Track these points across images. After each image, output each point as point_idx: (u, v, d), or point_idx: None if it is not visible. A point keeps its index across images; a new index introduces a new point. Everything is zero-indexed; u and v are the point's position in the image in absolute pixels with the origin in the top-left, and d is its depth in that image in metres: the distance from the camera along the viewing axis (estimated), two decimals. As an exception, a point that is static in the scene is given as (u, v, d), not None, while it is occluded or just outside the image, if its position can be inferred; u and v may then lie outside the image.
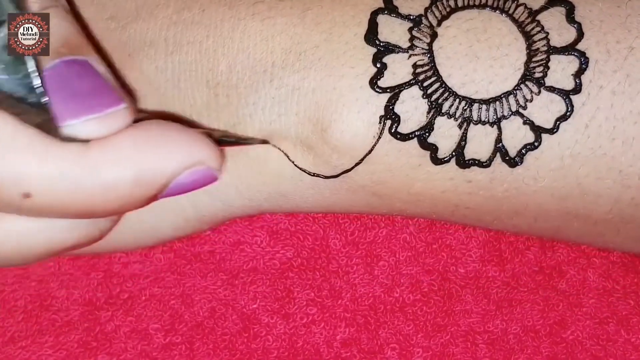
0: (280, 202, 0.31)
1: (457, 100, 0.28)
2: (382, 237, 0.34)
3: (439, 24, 0.28)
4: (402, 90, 0.28)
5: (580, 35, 0.28)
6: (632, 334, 0.33)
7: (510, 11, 0.28)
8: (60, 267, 0.34)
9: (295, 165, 0.29)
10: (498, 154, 0.28)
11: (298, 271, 0.34)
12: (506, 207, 0.30)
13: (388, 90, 0.28)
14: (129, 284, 0.34)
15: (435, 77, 0.28)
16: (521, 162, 0.28)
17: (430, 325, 0.34)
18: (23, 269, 0.34)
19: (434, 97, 0.28)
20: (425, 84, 0.28)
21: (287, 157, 0.29)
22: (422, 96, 0.28)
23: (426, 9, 0.28)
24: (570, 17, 0.28)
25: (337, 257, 0.34)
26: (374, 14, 0.28)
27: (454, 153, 0.28)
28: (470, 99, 0.28)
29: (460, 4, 0.28)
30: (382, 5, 0.28)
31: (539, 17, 0.28)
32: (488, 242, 0.34)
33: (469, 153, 0.28)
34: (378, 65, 0.28)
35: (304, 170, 0.29)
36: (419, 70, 0.28)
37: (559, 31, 0.28)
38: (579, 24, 0.28)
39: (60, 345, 0.33)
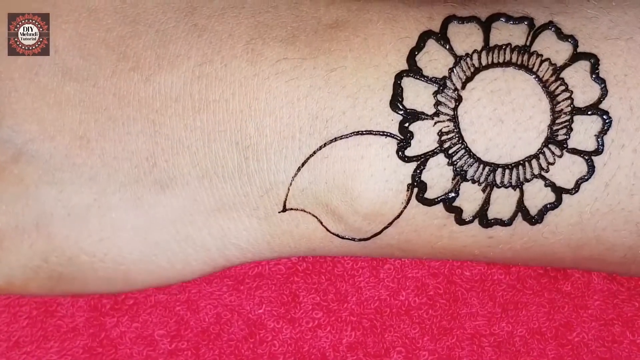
0: (308, 254, 0.32)
1: (482, 166, 0.28)
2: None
3: (464, 86, 0.28)
4: (429, 158, 0.28)
5: (604, 92, 0.27)
6: (638, 335, 0.33)
7: (535, 68, 0.28)
8: (65, 273, 0.34)
9: (328, 230, 0.30)
10: (519, 214, 0.28)
11: (303, 275, 0.34)
12: (524, 255, 0.30)
13: (414, 159, 0.28)
14: (134, 291, 0.33)
15: (460, 144, 0.28)
16: (541, 221, 0.28)
17: (436, 328, 0.34)
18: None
19: (459, 164, 0.28)
20: (450, 151, 0.28)
21: (321, 223, 0.30)
22: (448, 163, 0.28)
23: (450, 70, 0.28)
24: (595, 73, 0.28)
25: (342, 261, 0.34)
26: (398, 77, 0.28)
27: (477, 214, 0.28)
28: (494, 164, 0.28)
29: (484, 62, 0.28)
30: (405, 66, 0.28)
31: (563, 74, 0.28)
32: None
33: (492, 213, 0.28)
34: (405, 134, 0.28)
35: (337, 235, 0.30)
36: (444, 137, 0.28)
37: (582, 89, 0.28)
38: (603, 81, 0.28)
39: (66, 351, 0.33)
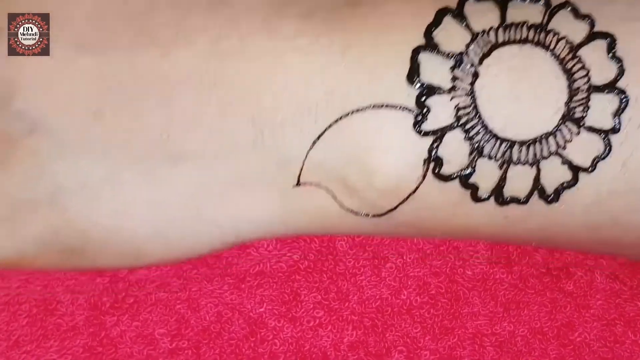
0: (321, 231, 0.32)
1: (498, 142, 0.28)
2: (389, 238, 0.34)
3: (480, 61, 0.28)
4: (445, 133, 0.28)
5: (620, 71, 0.27)
6: (640, 335, 0.33)
7: (552, 46, 0.28)
8: (66, 272, 0.33)
9: (342, 206, 0.30)
10: (535, 192, 0.28)
11: (305, 274, 0.34)
12: (538, 236, 0.30)
13: (431, 134, 0.28)
14: (134, 289, 0.33)
15: (477, 119, 0.27)
16: (557, 200, 0.28)
17: (437, 327, 0.34)
18: (28, 273, 0.33)
19: (476, 139, 0.28)
20: (467, 126, 0.27)
21: (335, 199, 0.29)
22: (464, 139, 0.28)
23: (467, 46, 0.28)
24: (611, 52, 0.27)
25: (344, 259, 0.34)
26: (415, 52, 0.28)
27: (493, 192, 0.28)
28: (511, 141, 0.28)
29: (500, 39, 0.28)
30: (422, 42, 0.28)
31: (580, 52, 0.28)
32: (495, 243, 0.34)
33: (508, 191, 0.28)
34: (421, 108, 0.28)
35: (351, 211, 0.30)
36: (461, 112, 0.27)
37: (600, 67, 0.27)
38: (620, 60, 0.27)
39: (65, 350, 0.33)
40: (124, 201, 0.29)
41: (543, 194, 0.28)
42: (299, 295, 0.34)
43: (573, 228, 0.29)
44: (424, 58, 0.28)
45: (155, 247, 0.30)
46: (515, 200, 0.28)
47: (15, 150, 0.29)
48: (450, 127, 0.28)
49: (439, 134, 0.28)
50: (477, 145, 0.28)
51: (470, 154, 0.28)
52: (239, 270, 0.34)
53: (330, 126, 0.28)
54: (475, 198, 0.28)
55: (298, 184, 0.29)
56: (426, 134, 0.28)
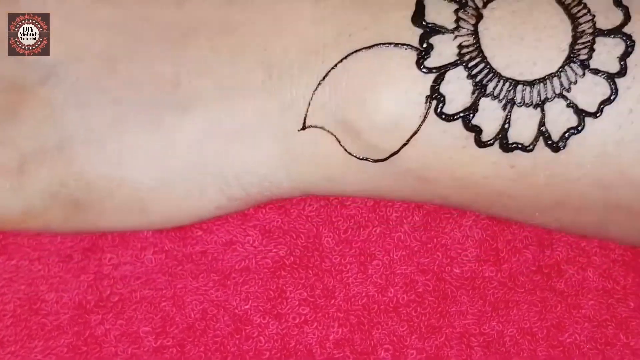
0: (327, 186, 0.31)
1: (502, 81, 0.27)
2: (376, 235, 0.34)
3: (485, 5, 0.28)
4: (448, 70, 0.28)
5: (627, 18, 0.27)
6: (631, 337, 0.32)
7: None
8: (50, 270, 0.33)
9: (345, 149, 0.29)
10: (541, 138, 0.28)
11: (290, 270, 0.33)
12: (548, 196, 0.29)
13: (434, 71, 0.28)
14: (119, 286, 0.33)
15: (480, 58, 0.28)
16: (564, 147, 0.28)
17: (424, 326, 0.33)
18: (12, 272, 0.33)
19: (479, 77, 0.28)
20: (470, 64, 0.28)
21: (338, 141, 0.29)
22: (467, 77, 0.28)
23: None
24: (617, 1, 0.28)
25: (330, 256, 0.34)
26: None
27: (498, 136, 0.28)
28: (514, 80, 0.27)
29: None
30: None
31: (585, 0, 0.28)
32: (485, 240, 0.33)
33: (513, 136, 0.28)
34: (424, 45, 0.28)
35: (353, 155, 0.29)
36: (464, 50, 0.28)
37: (605, 14, 0.28)
38: (626, 8, 0.27)
39: (50, 350, 0.33)
40: (130, 151, 0.30)
41: (549, 141, 0.28)
42: (285, 292, 0.33)
43: (583, 186, 0.29)
44: (430, 1, 0.28)
45: (161, 201, 0.30)
46: (520, 146, 0.28)
47: (27, 100, 0.30)
48: (453, 65, 0.28)
49: (442, 71, 0.28)
50: (479, 83, 0.28)
51: (473, 92, 0.28)
52: (224, 266, 0.34)
53: (335, 65, 0.28)
54: (479, 142, 0.28)
55: (304, 127, 0.29)
56: (429, 70, 0.28)
